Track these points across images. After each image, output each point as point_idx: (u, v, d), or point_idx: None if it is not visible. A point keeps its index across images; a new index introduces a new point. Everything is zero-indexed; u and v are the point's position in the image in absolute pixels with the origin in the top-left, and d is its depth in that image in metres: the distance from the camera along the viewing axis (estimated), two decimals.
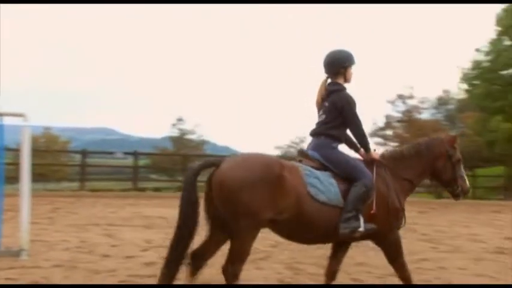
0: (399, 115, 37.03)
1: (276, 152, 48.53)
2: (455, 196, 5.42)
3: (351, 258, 7.62)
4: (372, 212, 4.76)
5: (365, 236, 4.87)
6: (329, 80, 5.18)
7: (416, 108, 35.62)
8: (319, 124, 5.11)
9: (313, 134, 5.13)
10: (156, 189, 26.64)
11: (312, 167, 4.82)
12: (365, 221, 4.70)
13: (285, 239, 4.96)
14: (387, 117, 37.90)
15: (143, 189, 22.34)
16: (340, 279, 6.25)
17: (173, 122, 46.66)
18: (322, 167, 4.87)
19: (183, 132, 46.35)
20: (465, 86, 32.53)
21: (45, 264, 6.69)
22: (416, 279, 6.34)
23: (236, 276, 4.45)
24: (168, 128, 46.53)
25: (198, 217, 4.48)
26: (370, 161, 5.03)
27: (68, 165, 35.47)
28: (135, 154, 22.27)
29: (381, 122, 38.44)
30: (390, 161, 5.18)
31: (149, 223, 10.97)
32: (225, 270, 4.45)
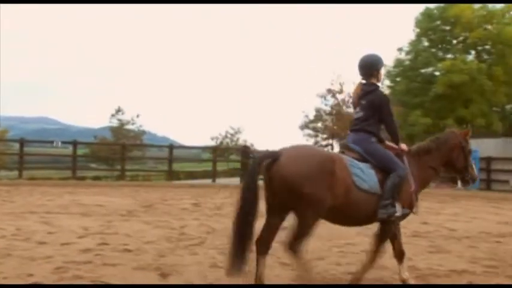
0: (328, 109, 37.65)
1: (211, 143, 48.36)
2: (466, 182, 5.94)
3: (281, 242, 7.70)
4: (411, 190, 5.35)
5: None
6: (363, 81, 5.57)
7: (344, 102, 36.30)
8: (358, 120, 5.45)
9: (353, 129, 5.47)
10: (96, 178, 26.07)
11: (354, 158, 5.17)
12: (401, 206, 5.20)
13: (330, 223, 5.27)
14: (317, 110, 38.49)
15: (83, 178, 21.80)
16: (270, 263, 6.29)
17: (112, 113, 45.83)
18: (362, 159, 5.22)
19: (122, 123, 45.56)
20: (388, 83, 33.49)
21: None
22: (341, 262, 6.48)
23: (300, 250, 4.72)
24: (108, 118, 45.65)
25: (258, 203, 4.70)
26: (400, 153, 5.44)
27: (6, 154, 34.16)
28: (75, 143, 21.64)
29: (312, 115, 39.00)
30: (416, 153, 5.64)
31: (87, 211, 10.68)
32: (291, 245, 4.70)
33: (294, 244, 4.70)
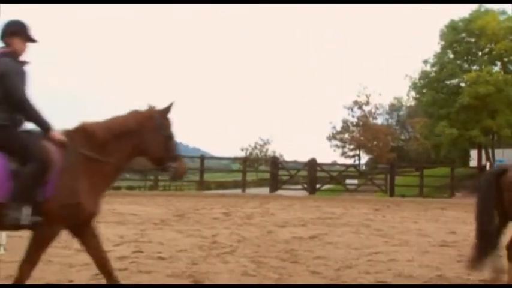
0: (355, 120, 37.46)
1: (241, 153, 48.51)
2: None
3: (310, 252, 7.68)
4: None
5: None
6: None
7: (371, 114, 36.07)
8: None
9: None
10: (130, 188, 26.32)
11: None
12: None
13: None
14: (344, 121, 38.32)
15: (117, 188, 22.00)
16: (299, 271, 6.27)
17: None
18: None
19: None
20: (414, 94, 33.19)
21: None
22: (369, 271, 6.42)
23: None
24: None
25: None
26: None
27: None
28: None
29: (339, 126, 38.84)
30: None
31: (122, 219, 10.81)
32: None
33: None
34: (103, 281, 5.52)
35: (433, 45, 43.27)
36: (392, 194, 21.84)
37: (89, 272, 5.88)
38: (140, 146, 4.54)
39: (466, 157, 35.46)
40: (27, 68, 4.43)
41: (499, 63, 30.14)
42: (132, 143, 4.50)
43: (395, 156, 36.98)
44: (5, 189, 3.98)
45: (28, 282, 5.41)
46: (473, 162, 32.68)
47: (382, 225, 11.30)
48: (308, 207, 14.99)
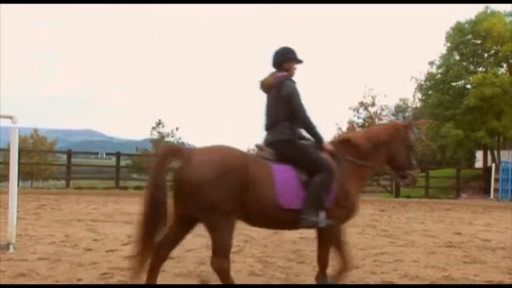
0: (361, 121, 37.34)
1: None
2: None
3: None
4: None
5: None
6: None
7: (376, 115, 35.95)
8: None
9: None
10: (137, 188, 26.34)
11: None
12: None
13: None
14: (350, 123, 38.19)
15: (125, 188, 22.06)
16: (306, 271, 6.26)
17: (153, 125, 46.41)
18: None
19: (163, 135, 46.08)
20: (420, 96, 33.07)
21: (31, 257, 6.54)
22: (376, 271, 6.39)
23: None
24: (149, 131, 46.24)
25: None
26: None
27: (55, 164, 34.99)
28: (118, 155, 22.03)
29: (344, 128, 38.72)
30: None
31: (129, 219, 10.80)
32: None
33: None
34: (111, 280, 5.55)
35: (438, 47, 43.11)
36: (397, 195, 21.79)
37: (97, 271, 5.90)
38: (389, 154, 5.24)
39: (472, 158, 35.30)
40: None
41: (504, 65, 29.97)
42: (384, 151, 5.20)
43: None
44: (300, 197, 4.55)
45: (36, 281, 5.44)
46: (478, 164, 32.53)
47: (387, 226, 11.27)
48: None
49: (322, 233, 4.93)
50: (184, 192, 4.33)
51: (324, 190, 4.60)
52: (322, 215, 4.58)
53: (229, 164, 4.35)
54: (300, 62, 5.06)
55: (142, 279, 4.57)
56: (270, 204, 4.46)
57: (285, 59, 4.98)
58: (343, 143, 5.10)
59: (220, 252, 4.48)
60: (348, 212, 4.86)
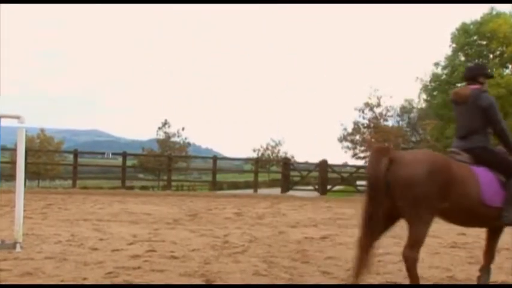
0: (366, 122, 37.26)
1: (253, 154, 48.45)
2: None
3: (321, 252, 7.65)
4: None
5: None
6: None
7: (382, 116, 35.90)
8: None
9: None
10: (143, 188, 26.47)
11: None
12: None
13: None
14: (355, 123, 38.13)
15: (131, 188, 22.17)
16: (310, 271, 6.26)
17: (159, 126, 46.52)
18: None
19: (169, 135, 46.17)
20: (425, 97, 32.99)
21: (37, 256, 6.57)
22: (380, 271, 6.38)
23: None
24: (155, 131, 46.34)
25: None
26: None
27: (61, 164, 35.08)
28: (124, 155, 22.08)
29: (350, 128, 38.67)
30: None
31: (135, 219, 10.86)
32: None
33: None
34: (116, 280, 5.56)
35: (444, 48, 42.97)
36: None
37: (102, 270, 5.91)
38: None
39: None
40: None
41: (510, 66, 29.93)
42: None
43: None
44: (500, 196, 4.99)
45: (42, 280, 5.46)
46: None
47: (394, 227, 11.22)
48: (319, 208, 14.95)
49: (498, 229, 5.54)
50: (397, 185, 4.77)
51: None
52: None
53: (437, 164, 4.81)
54: (491, 76, 5.76)
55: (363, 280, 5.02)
56: (475, 200, 4.89)
57: (480, 73, 5.46)
58: None
59: (414, 243, 4.97)
60: None
